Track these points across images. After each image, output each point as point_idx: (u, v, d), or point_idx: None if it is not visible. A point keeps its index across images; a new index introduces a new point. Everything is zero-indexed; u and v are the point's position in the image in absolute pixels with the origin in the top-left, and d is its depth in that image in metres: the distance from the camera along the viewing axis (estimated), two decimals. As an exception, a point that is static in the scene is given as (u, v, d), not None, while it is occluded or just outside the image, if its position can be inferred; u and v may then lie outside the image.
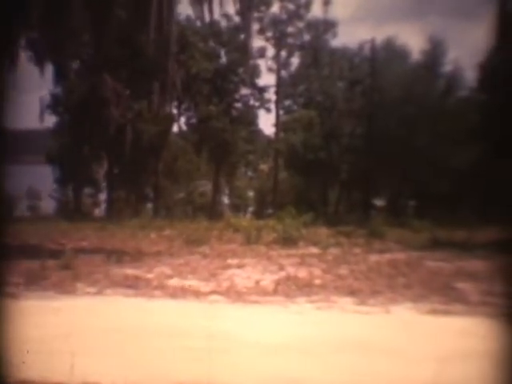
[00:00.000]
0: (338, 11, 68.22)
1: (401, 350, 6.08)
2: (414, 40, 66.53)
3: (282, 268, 11.76)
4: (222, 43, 39.89)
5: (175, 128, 41.31)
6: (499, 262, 12.41)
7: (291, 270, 11.40)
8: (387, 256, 13.83)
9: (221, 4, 19.48)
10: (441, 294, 9.11)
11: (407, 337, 6.73)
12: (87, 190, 40.29)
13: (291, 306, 8.29)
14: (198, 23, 33.41)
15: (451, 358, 5.79)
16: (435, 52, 35.77)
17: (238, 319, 7.41)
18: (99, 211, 40.12)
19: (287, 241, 16.65)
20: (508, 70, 22.97)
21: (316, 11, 43.38)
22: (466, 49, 61.17)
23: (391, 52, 36.35)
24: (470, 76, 45.13)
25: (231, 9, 24.38)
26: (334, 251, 14.74)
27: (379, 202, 42.67)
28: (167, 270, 11.32)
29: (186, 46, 34.27)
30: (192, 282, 9.99)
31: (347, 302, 8.49)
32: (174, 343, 6.09)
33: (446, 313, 7.91)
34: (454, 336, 6.80)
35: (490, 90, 30.38)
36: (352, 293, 9.10)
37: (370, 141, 32.95)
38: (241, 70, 39.71)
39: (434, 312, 7.92)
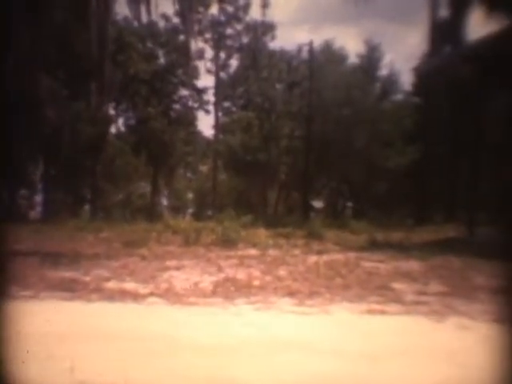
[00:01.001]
0: (276, 14, 68.59)
1: (339, 349, 6.14)
2: (351, 44, 67.35)
3: (220, 269, 11.75)
4: (161, 44, 39.74)
5: (113, 129, 40.93)
6: (434, 263, 12.72)
7: (230, 272, 11.41)
8: (325, 257, 13.96)
9: (158, 4, 19.44)
10: (378, 294, 9.24)
11: (345, 336, 6.80)
12: (22, 192, 39.51)
13: (230, 307, 8.28)
14: (136, 24, 33.21)
15: (388, 356, 5.89)
16: (372, 56, 36.41)
17: (177, 321, 7.37)
18: (35, 213, 39.40)
19: (226, 242, 16.67)
20: (440, 75, 23.58)
21: (254, 14, 43.51)
22: (402, 53, 62.39)
23: (329, 55, 36.83)
24: (406, 80, 46.03)
25: (170, 9, 24.28)
26: (272, 252, 14.82)
27: (318, 204, 43.13)
28: (105, 273, 11.18)
29: (123, 46, 33.98)
30: (130, 285, 9.89)
31: (286, 302, 8.53)
32: (110, 346, 6.01)
33: (383, 312, 8.02)
34: (390, 335, 6.92)
35: (424, 94, 31.04)
36: (291, 294, 9.14)
37: (308, 143, 33.24)
38: (179, 72, 39.61)
39: (370, 312, 8.02)
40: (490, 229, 19.90)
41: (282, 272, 11.49)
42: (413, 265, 12.60)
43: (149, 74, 37.25)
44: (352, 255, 14.30)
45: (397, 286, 10.03)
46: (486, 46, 16.66)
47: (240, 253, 14.90)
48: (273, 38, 41.85)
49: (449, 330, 7.30)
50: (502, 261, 12.53)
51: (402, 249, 15.30)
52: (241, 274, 11.11)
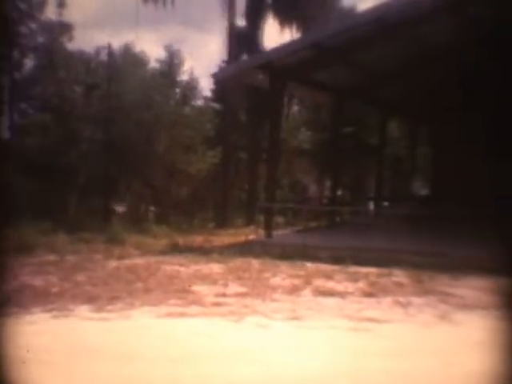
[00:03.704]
0: (74, 15, 66.79)
1: (138, 353, 6.13)
2: (151, 48, 67.30)
3: (16, 277, 11.25)
4: None
5: None
6: (234, 265, 13.02)
7: (26, 279, 10.96)
8: (127, 262, 13.82)
9: None
10: (178, 297, 9.31)
11: (144, 340, 6.80)
12: None
13: (25, 316, 7.96)
14: None
15: (186, 358, 5.96)
16: (172, 61, 36.62)
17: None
18: None
19: (22, 249, 15.99)
20: (237, 82, 24.26)
21: (50, 13, 41.97)
22: (202, 60, 63.34)
23: (129, 58, 36.57)
24: (206, 86, 46.81)
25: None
26: (72, 258, 14.43)
27: (120, 208, 42.61)
28: None
29: None
30: None
31: (85, 309, 8.36)
32: None
33: (183, 315, 8.09)
34: (189, 337, 7.00)
35: (222, 100, 31.77)
36: (90, 300, 8.97)
37: (109, 146, 32.76)
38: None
39: (171, 315, 8.07)
40: (286, 231, 20.78)
41: (81, 278, 11.23)
42: (213, 267, 12.81)
43: None
44: (153, 259, 14.27)
45: (197, 288, 10.16)
46: (277, 56, 17.44)
47: (38, 259, 14.36)
48: (70, 38, 40.77)
49: (247, 330, 7.52)
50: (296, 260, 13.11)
51: (203, 252, 15.49)
52: (38, 281, 10.72)
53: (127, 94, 33.21)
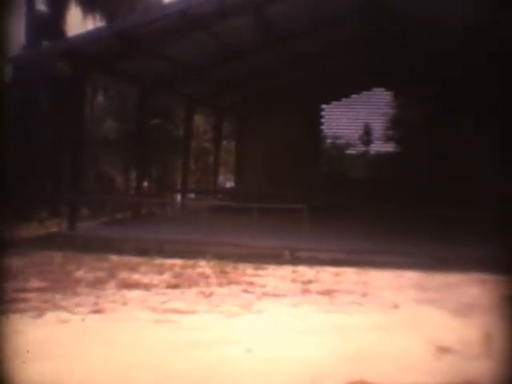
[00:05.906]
0: None
1: None
2: None
3: None
4: None
5: None
6: (35, 259, 12.55)
7: None
8: None
9: None
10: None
11: None
12: None
13: None
14: None
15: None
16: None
17: None
18: None
19: None
20: (36, 69, 23.29)
21: None
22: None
23: None
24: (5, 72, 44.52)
25: None
26: None
27: None
28: None
29: None
30: None
31: None
32: None
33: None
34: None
35: (20, 87, 30.42)
36: None
37: None
38: None
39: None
40: (91, 223, 20.38)
41: None
42: (12, 262, 12.24)
43: None
44: None
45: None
46: (79, 43, 16.96)
47: None
48: None
49: (47, 326, 7.29)
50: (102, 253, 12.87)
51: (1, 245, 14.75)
52: None
53: None
